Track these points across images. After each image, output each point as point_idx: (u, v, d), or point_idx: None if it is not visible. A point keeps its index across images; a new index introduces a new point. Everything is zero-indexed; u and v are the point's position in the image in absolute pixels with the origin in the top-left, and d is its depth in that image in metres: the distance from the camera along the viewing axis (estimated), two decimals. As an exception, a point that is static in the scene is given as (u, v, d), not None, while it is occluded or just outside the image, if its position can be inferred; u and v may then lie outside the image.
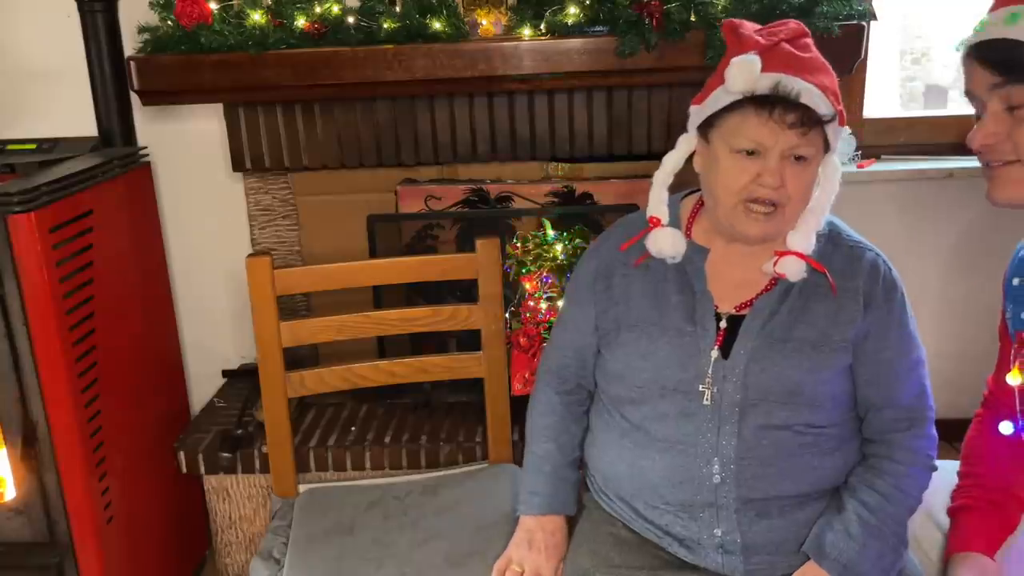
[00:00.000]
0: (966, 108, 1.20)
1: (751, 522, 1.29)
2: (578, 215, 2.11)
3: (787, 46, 1.23)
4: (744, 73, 1.20)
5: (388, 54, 1.83)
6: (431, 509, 1.63)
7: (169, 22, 1.86)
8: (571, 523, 1.47)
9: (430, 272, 1.72)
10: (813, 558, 1.27)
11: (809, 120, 1.19)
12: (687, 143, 1.35)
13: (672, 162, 1.37)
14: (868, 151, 2.39)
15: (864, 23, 1.76)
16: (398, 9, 1.84)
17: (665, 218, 1.36)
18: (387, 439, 2.03)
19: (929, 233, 2.38)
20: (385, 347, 2.08)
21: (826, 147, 1.26)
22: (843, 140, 2.33)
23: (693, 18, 1.75)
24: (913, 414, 1.32)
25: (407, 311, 1.71)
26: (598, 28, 1.81)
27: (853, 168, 2.32)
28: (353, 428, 2.08)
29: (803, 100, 1.18)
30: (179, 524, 2.15)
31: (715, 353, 1.31)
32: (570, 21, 1.79)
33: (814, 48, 1.26)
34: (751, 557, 1.30)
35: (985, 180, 1.17)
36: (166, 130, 2.20)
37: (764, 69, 1.20)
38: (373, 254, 2.08)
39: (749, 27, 1.28)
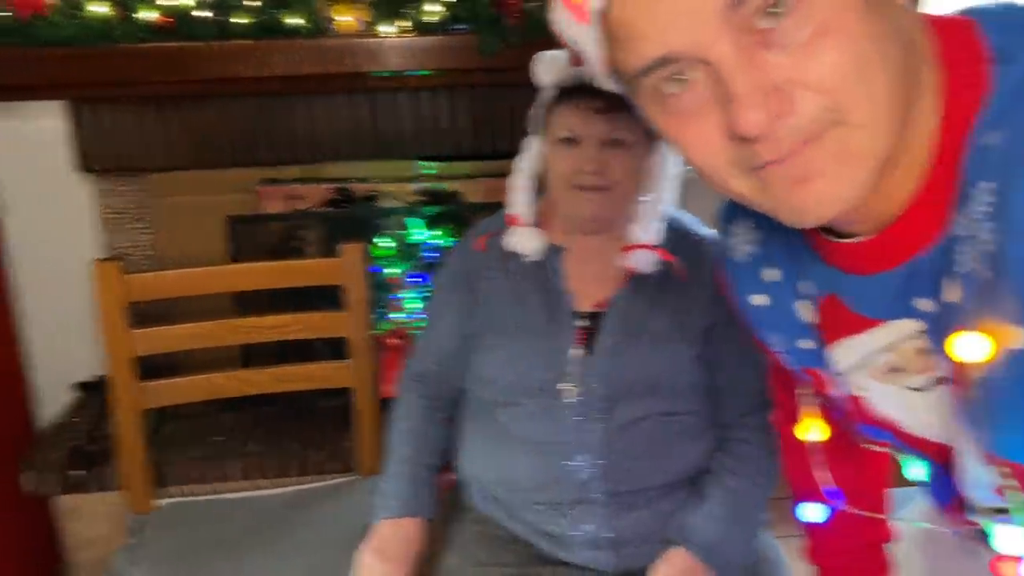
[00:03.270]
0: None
1: (620, 515, 1.32)
2: (446, 214, 2.10)
3: None
4: (546, 66, 1.28)
5: (245, 50, 1.77)
6: (294, 524, 1.58)
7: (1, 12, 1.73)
8: (438, 527, 1.46)
9: (292, 278, 1.67)
10: (677, 542, 1.30)
11: (615, 105, 1.22)
12: (535, 144, 1.37)
13: (525, 165, 1.38)
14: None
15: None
16: (254, 3, 1.78)
17: (524, 217, 1.37)
18: (255, 448, 1.96)
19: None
20: (252, 353, 2.01)
21: (653, 135, 1.29)
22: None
23: (553, 17, 1.76)
24: (764, 397, 1.37)
25: (269, 319, 1.65)
26: (460, 26, 1.81)
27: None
28: (219, 438, 2.00)
29: (603, 85, 1.22)
30: (28, 548, 2.02)
31: (577, 351, 1.32)
32: (432, 19, 1.77)
33: None
34: (621, 550, 1.33)
35: (766, 198, 0.63)
36: (4, 128, 2.06)
37: (575, 63, 1.23)
38: (235, 258, 2.01)
39: None
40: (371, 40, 1.78)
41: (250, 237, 2.06)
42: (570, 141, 1.27)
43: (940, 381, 0.71)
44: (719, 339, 1.34)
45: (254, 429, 2.04)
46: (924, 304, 0.68)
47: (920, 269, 0.66)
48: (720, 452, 1.37)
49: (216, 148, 1.99)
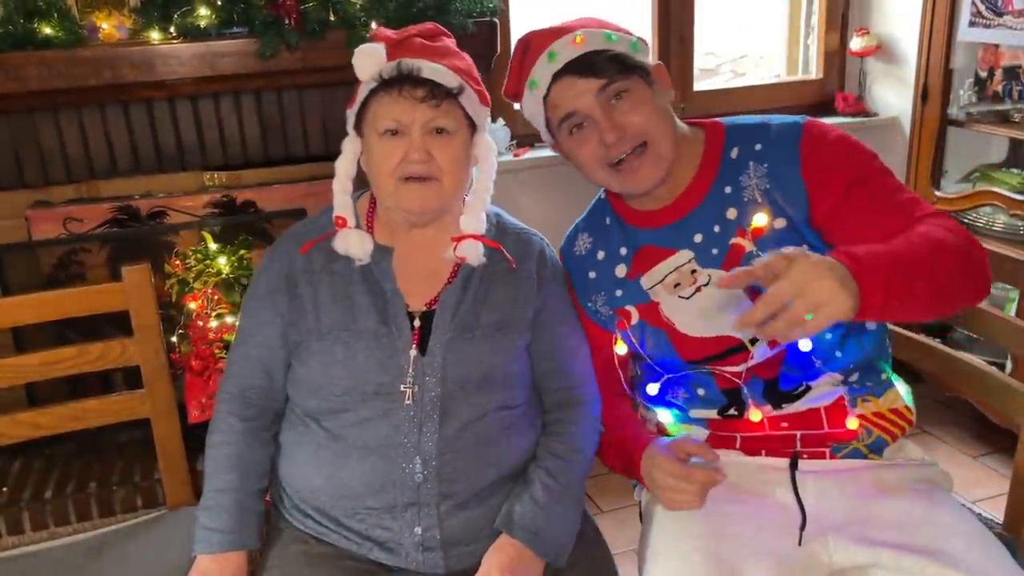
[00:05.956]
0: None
1: (450, 516, 1.31)
2: (242, 225, 2.01)
3: (418, 39, 1.30)
4: (366, 59, 1.27)
5: (-8, 63, 1.62)
6: (101, 571, 1.46)
7: None
8: (258, 551, 1.40)
9: (71, 307, 1.53)
10: (504, 531, 1.31)
11: (439, 93, 1.25)
12: (352, 145, 1.36)
13: (344, 167, 1.36)
14: (523, 140, 2.52)
15: (495, 20, 1.84)
16: (-1, 12, 1.63)
17: (352, 219, 1.34)
18: (48, 493, 1.81)
19: (578, 210, 2.54)
20: (40, 389, 1.86)
21: (473, 125, 1.32)
22: (500, 130, 2.46)
23: (332, 17, 1.73)
24: (582, 380, 1.42)
25: (47, 354, 1.52)
26: (236, 29, 1.73)
27: (511, 157, 2.43)
28: (3, 489, 1.83)
29: (425, 75, 1.25)
30: None
31: (413, 352, 1.31)
32: (203, 23, 1.69)
33: (448, 41, 1.34)
34: (451, 550, 1.32)
35: (616, 181, 1.29)
36: None
37: (391, 57, 1.26)
38: (6, 289, 1.84)
39: (386, 30, 1.33)
40: (136, 48, 1.67)
41: (23, 267, 1.90)
42: (395, 132, 1.26)
43: (699, 289, 1.29)
44: (543, 326, 1.38)
45: (46, 473, 1.88)
46: (697, 237, 1.29)
47: (692, 218, 1.30)
48: (542, 436, 1.40)
49: (-29, 173, 1.81)
